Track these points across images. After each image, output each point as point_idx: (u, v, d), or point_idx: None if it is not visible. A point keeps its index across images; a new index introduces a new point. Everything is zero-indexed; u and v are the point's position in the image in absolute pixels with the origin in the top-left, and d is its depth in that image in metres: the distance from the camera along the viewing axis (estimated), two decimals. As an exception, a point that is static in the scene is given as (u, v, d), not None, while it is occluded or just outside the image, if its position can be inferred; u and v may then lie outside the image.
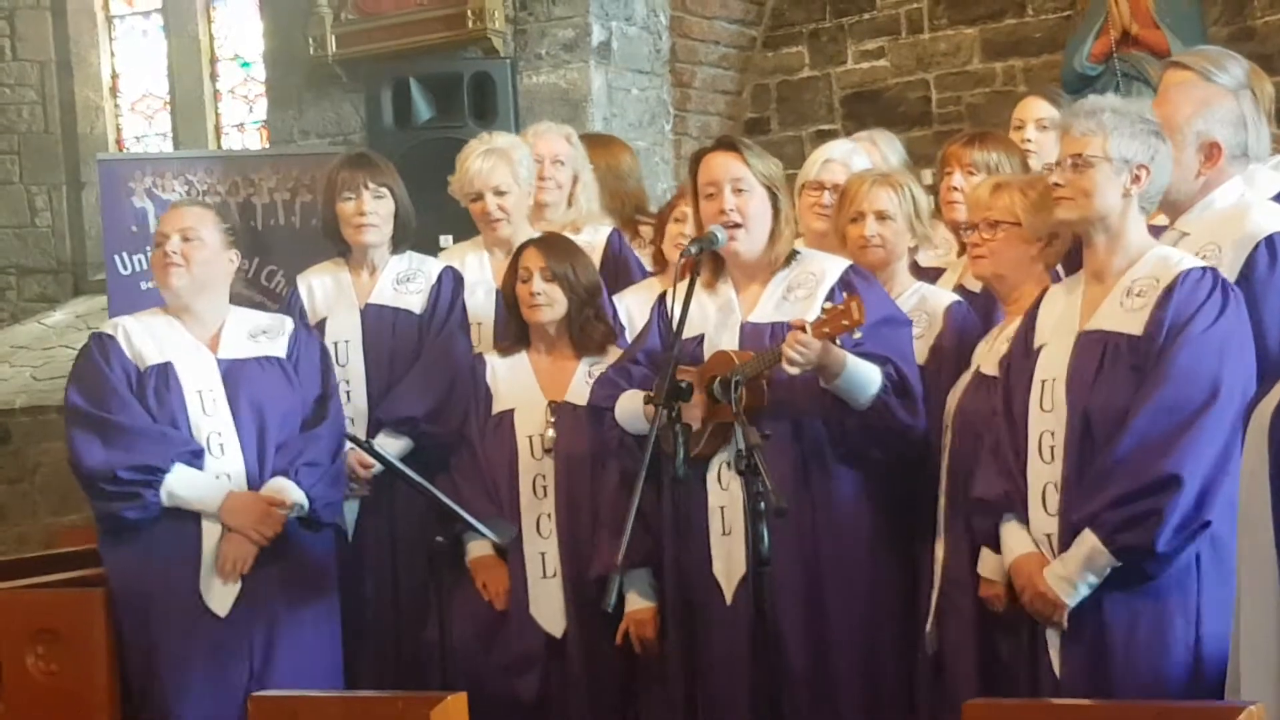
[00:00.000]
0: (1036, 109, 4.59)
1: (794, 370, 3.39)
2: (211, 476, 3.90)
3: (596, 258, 4.47)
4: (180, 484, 3.86)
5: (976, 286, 3.92)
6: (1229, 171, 3.46)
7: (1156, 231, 3.53)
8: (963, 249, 4.27)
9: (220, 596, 3.87)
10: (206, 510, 3.88)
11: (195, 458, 3.89)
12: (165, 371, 3.96)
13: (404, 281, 4.42)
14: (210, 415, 3.95)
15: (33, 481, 7.69)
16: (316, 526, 4.01)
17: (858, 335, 3.37)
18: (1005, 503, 3.22)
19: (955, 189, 4.20)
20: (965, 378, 3.56)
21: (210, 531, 3.89)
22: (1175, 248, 3.40)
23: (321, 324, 4.37)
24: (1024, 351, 3.31)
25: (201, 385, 3.97)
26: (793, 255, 3.74)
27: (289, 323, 4.21)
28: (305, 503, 3.95)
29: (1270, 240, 3.31)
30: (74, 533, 6.78)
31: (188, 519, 3.89)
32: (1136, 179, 3.18)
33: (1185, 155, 3.42)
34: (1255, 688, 2.46)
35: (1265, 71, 4.00)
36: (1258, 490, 2.48)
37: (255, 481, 3.94)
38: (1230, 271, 3.29)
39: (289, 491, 3.93)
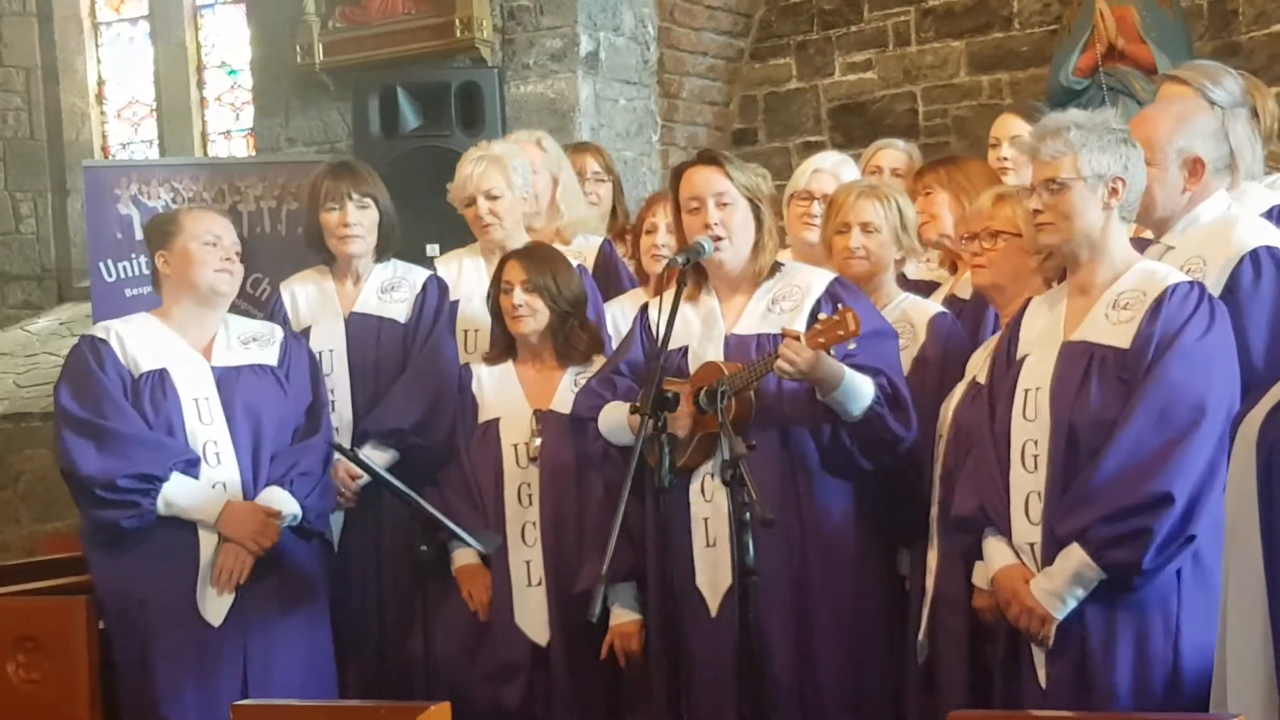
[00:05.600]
0: (1011, 127, 4.58)
1: (787, 378, 3.39)
2: (208, 485, 3.87)
3: (589, 266, 4.48)
4: (177, 493, 3.83)
5: (966, 295, 3.93)
6: (1213, 185, 3.47)
7: (1142, 245, 3.54)
8: (943, 263, 4.30)
9: (215, 606, 3.84)
10: (203, 519, 3.86)
11: (191, 466, 3.86)
12: (161, 378, 3.92)
13: (388, 290, 4.41)
14: (206, 424, 3.92)
15: (15, 489, 7.65)
16: (308, 536, 4.00)
17: (852, 346, 3.37)
18: (982, 518, 3.23)
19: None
20: (960, 388, 3.56)
21: (207, 541, 3.86)
22: (1161, 261, 3.42)
23: (305, 333, 4.35)
24: (1006, 362, 3.32)
25: (197, 393, 3.94)
26: (776, 267, 3.74)
27: (279, 331, 4.19)
28: (299, 513, 3.94)
29: (1255, 254, 3.32)
30: (56, 540, 6.76)
31: (183, 528, 3.86)
32: (1114, 191, 3.19)
33: (1169, 173, 3.43)
34: (1241, 700, 2.46)
35: (1252, 87, 4.02)
36: (1245, 502, 2.48)
37: (250, 490, 3.92)
38: (1215, 285, 3.30)
39: (284, 502, 3.91)
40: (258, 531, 3.86)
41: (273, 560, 3.90)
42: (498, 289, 4.08)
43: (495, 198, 4.40)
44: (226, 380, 3.98)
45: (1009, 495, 3.19)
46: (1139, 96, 6.05)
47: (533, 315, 4.02)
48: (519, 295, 4.01)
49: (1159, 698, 3.01)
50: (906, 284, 4.10)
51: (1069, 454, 3.11)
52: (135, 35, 8.78)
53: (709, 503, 3.57)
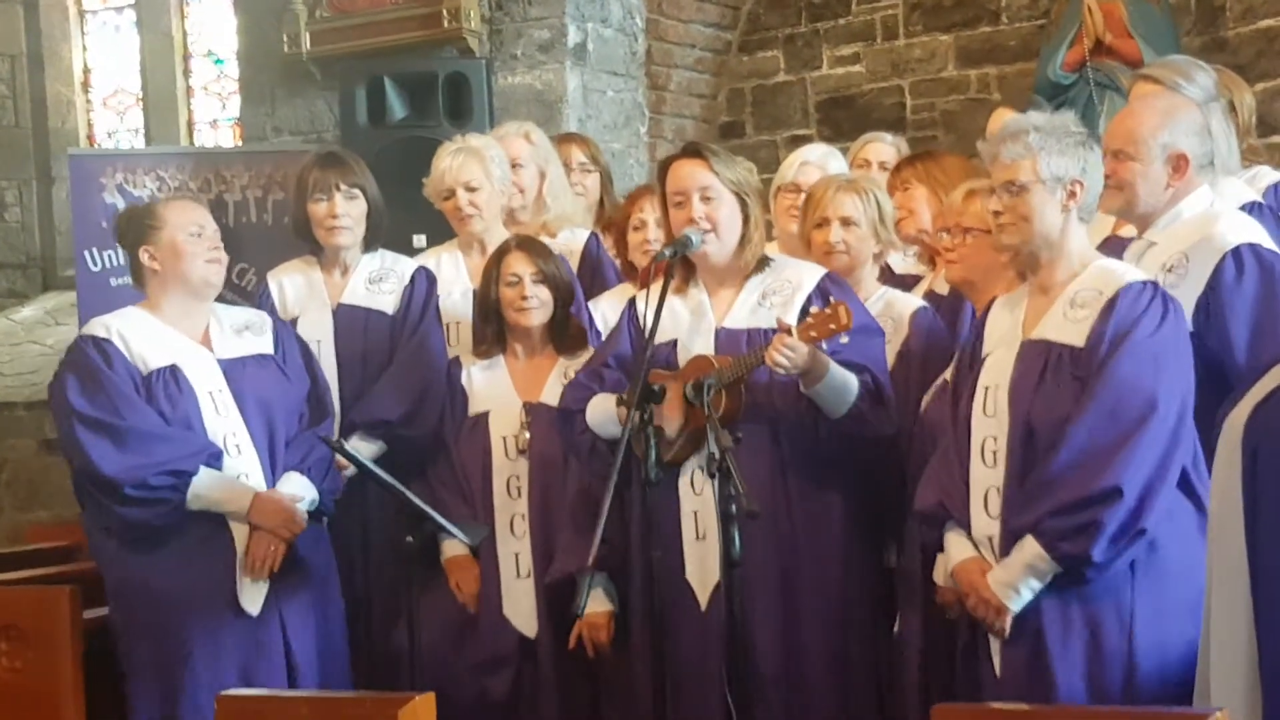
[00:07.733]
0: None
1: (780, 372, 3.40)
2: (233, 477, 3.88)
3: (575, 261, 4.48)
4: (206, 486, 3.82)
5: (944, 290, 3.94)
6: (1196, 181, 3.49)
7: (1125, 242, 3.56)
8: (922, 257, 4.31)
9: (252, 596, 3.85)
10: (234, 511, 3.85)
11: (215, 459, 3.86)
12: (173, 374, 3.91)
13: (376, 281, 4.41)
14: (222, 416, 3.91)
15: (-1, 478, 7.63)
16: (320, 518, 4.03)
17: (845, 340, 3.38)
18: (942, 512, 3.27)
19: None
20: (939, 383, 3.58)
21: (240, 532, 3.86)
22: (1141, 258, 3.44)
23: (293, 323, 4.34)
24: (970, 360, 3.36)
25: (211, 386, 3.93)
26: (765, 261, 3.74)
27: (266, 317, 4.18)
28: (318, 497, 3.97)
29: (1237, 252, 3.34)
30: (40, 530, 6.74)
31: (214, 521, 3.85)
32: (1072, 194, 3.21)
33: (1153, 169, 3.45)
34: (1224, 694, 2.47)
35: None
36: (1229, 500, 2.49)
37: (269, 479, 3.93)
38: (1198, 282, 3.32)
39: (304, 488, 3.94)
40: (288, 519, 3.87)
41: (295, 547, 3.91)
42: (495, 284, 4.06)
43: (474, 189, 4.39)
44: (234, 372, 3.98)
45: (969, 489, 3.23)
46: (1126, 92, 6.06)
47: (541, 306, 4.03)
48: (530, 286, 4.00)
49: (1115, 688, 3.04)
50: (892, 278, 4.11)
51: (1026, 450, 3.15)
52: (121, 23, 8.75)
53: (699, 496, 3.57)
